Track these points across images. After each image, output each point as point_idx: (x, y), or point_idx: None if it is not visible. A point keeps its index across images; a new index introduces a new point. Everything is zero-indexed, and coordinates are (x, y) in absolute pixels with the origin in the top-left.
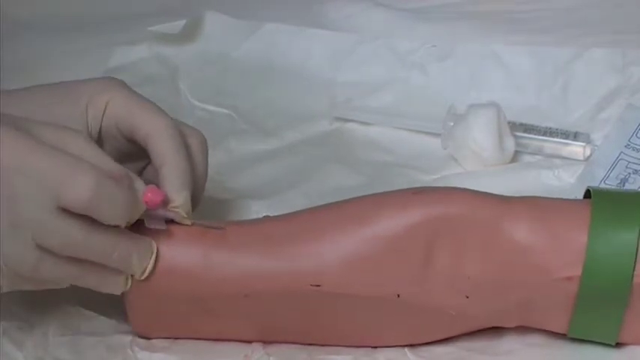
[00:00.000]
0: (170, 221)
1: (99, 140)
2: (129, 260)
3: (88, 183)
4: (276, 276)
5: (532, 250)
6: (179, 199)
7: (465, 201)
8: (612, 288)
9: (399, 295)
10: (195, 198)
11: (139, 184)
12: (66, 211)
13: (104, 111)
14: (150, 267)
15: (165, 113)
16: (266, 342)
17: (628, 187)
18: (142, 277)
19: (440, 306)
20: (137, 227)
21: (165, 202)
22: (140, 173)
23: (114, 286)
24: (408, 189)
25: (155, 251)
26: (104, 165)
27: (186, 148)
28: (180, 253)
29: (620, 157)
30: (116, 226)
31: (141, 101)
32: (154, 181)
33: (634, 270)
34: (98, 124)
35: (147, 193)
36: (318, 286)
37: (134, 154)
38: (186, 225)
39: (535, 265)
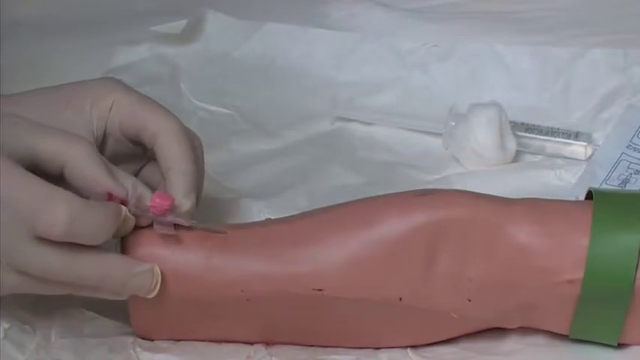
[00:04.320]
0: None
1: (103, 142)
2: (126, 286)
3: (62, 214)
4: (278, 280)
5: (534, 253)
6: (187, 203)
7: (467, 204)
8: (614, 291)
9: (401, 299)
10: (197, 200)
11: (146, 190)
12: (44, 240)
13: (109, 112)
14: (156, 290)
15: (173, 114)
16: (268, 343)
17: (629, 187)
18: (150, 296)
19: (442, 309)
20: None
21: (173, 208)
22: (136, 175)
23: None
24: (409, 191)
25: (159, 276)
26: (102, 181)
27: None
28: (183, 257)
29: (621, 158)
30: (107, 253)
31: (147, 101)
32: (151, 182)
33: (636, 273)
34: (103, 126)
35: (155, 199)
36: (321, 290)
37: (132, 156)
38: (188, 229)
39: (537, 267)
